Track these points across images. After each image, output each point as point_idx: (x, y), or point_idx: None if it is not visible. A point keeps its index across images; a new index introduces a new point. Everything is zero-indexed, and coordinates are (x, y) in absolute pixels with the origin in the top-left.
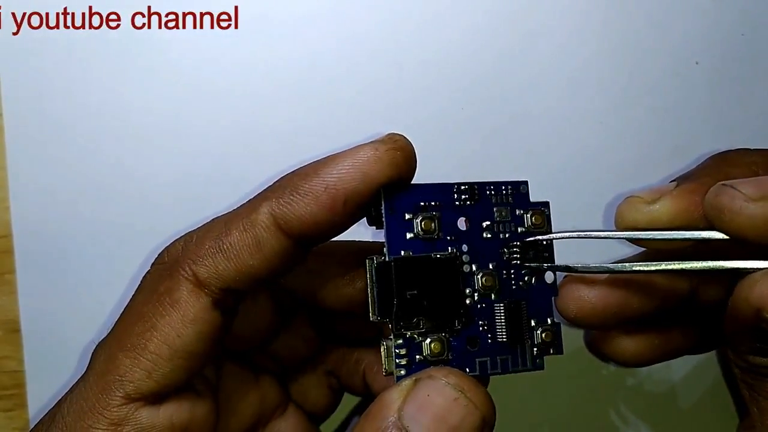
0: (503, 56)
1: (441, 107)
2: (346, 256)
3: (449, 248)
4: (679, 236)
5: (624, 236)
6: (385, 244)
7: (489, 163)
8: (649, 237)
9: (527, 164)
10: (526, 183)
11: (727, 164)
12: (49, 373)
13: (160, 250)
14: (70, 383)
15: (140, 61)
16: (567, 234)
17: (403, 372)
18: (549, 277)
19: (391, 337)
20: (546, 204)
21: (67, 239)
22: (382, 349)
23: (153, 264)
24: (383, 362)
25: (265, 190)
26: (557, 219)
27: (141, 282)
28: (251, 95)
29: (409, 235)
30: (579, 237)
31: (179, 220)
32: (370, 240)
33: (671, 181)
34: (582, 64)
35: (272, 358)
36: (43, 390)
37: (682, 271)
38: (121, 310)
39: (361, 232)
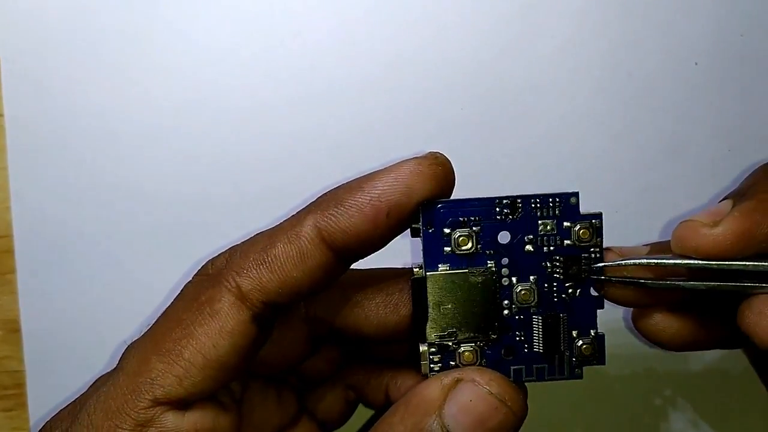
0: (503, 56)
1: (440, 107)
2: (387, 284)
3: (488, 262)
4: None
5: (703, 264)
6: (422, 258)
7: (489, 163)
8: (738, 267)
9: (526, 164)
10: (576, 194)
11: None
12: (49, 373)
13: (162, 250)
14: (70, 383)
15: (142, 61)
16: (643, 260)
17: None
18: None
19: (426, 344)
20: (598, 216)
21: (68, 239)
22: (420, 351)
23: (196, 274)
24: (421, 365)
25: (309, 205)
26: None
27: (182, 290)
28: (252, 95)
29: (446, 250)
30: (655, 264)
31: (180, 220)
32: (409, 260)
33: (722, 200)
34: (581, 64)
35: (295, 375)
36: (43, 390)
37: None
38: (126, 311)
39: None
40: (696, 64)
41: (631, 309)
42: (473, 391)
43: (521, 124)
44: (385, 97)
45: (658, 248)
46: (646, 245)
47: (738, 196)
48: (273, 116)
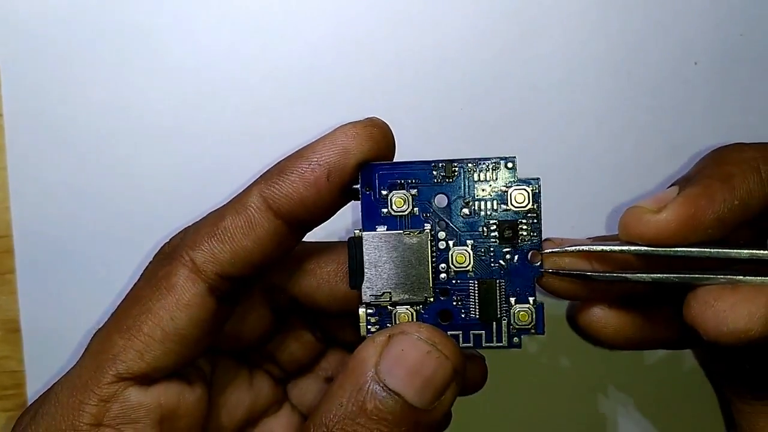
0: (502, 56)
1: (440, 107)
2: (340, 255)
3: (425, 225)
4: (722, 254)
5: (649, 251)
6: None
7: None
8: (683, 254)
9: (525, 164)
10: (513, 159)
11: (726, 163)
12: (49, 373)
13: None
14: None
15: (142, 62)
16: (585, 247)
17: None
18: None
19: (363, 306)
20: (535, 180)
21: (67, 239)
22: (359, 314)
23: (155, 256)
24: (359, 326)
25: (255, 179)
26: (555, 218)
27: (142, 272)
28: (251, 95)
29: (384, 211)
30: (596, 251)
31: (179, 219)
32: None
33: (670, 186)
34: (581, 63)
35: (270, 360)
36: (43, 390)
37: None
38: None
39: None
40: (696, 63)
41: (568, 303)
42: (403, 340)
43: (521, 124)
44: (385, 97)
45: (601, 240)
46: (589, 238)
47: (685, 181)
48: (273, 116)
